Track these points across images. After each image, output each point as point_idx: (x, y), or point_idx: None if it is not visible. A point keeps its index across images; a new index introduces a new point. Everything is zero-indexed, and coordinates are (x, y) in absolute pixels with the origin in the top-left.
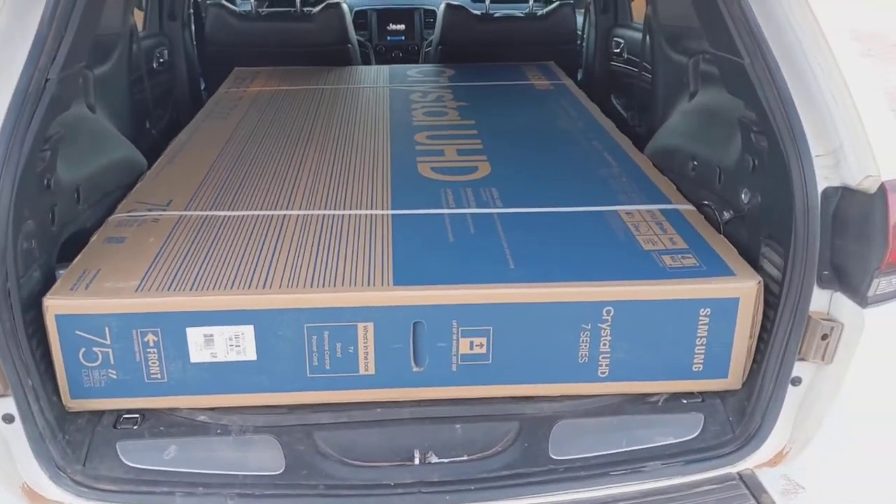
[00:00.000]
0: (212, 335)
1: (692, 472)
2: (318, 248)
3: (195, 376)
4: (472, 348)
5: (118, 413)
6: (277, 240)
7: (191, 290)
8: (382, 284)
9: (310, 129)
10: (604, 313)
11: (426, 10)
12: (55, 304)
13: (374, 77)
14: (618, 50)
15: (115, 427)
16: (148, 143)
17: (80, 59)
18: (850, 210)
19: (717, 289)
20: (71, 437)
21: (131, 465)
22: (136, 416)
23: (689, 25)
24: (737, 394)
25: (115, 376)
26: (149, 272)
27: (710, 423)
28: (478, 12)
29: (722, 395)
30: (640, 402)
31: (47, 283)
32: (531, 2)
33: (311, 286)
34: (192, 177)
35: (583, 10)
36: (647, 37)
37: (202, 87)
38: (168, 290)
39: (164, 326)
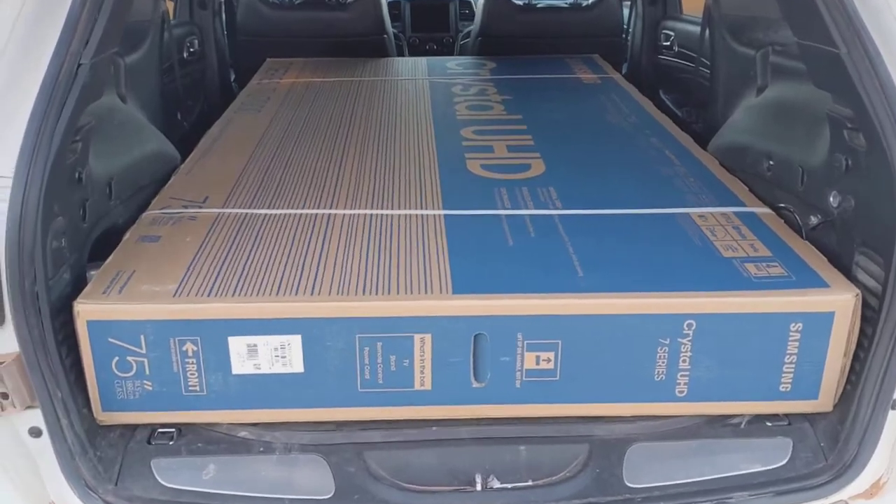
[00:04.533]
0: (256, 345)
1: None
2: (367, 251)
3: (237, 389)
4: (538, 363)
5: (152, 428)
6: (323, 241)
7: (233, 295)
8: (441, 292)
9: (349, 124)
10: (685, 327)
11: (462, 2)
12: (87, 309)
13: (412, 69)
14: (667, 43)
15: (149, 443)
16: (179, 134)
17: (113, 44)
18: None
19: (811, 302)
20: (102, 453)
21: (167, 485)
22: (172, 430)
23: (756, 15)
24: (828, 416)
25: (150, 388)
26: (187, 275)
27: (799, 448)
28: (520, 2)
29: (811, 417)
30: (719, 425)
31: (77, 285)
32: None
33: (364, 293)
34: (229, 172)
35: (629, 2)
36: (707, 29)
37: (232, 78)
38: (209, 295)
39: (204, 335)
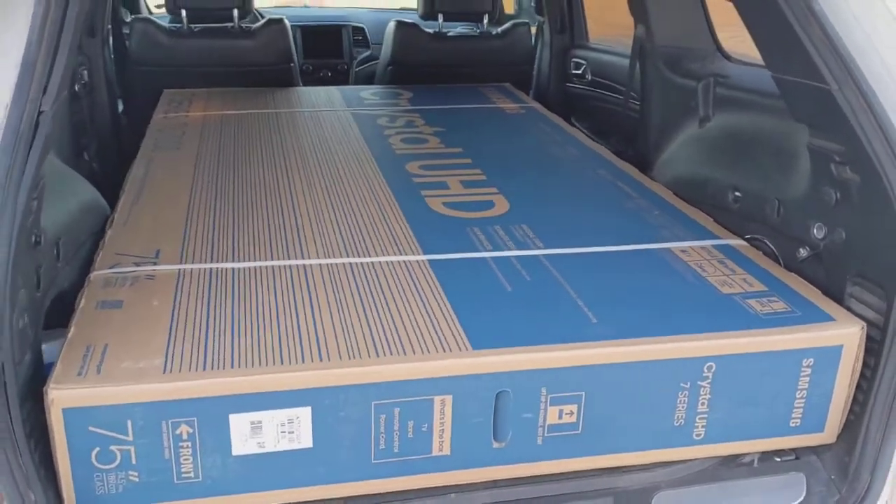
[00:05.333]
0: (260, 422)
1: None
2: (364, 308)
3: (237, 472)
4: (560, 417)
5: None
6: (311, 298)
7: (233, 367)
8: (460, 349)
9: (284, 160)
10: (705, 370)
11: (354, 28)
12: (63, 396)
13: (327, 100)
14: (578, 71)
15: None
16: (89, 177)
17: (66, 86)
18: None
19: (821, 337)
20: None
21: None
22: None
23: (693, 47)
24: (832, 448)
25: (136, 479)
26: (170, 346)
27: (812, 483)
28: (430, 31)
29: (817, 450)
30: (733, 465)
31: (37, 366)
32: (485, 21)
33: (378, 355)
34: (172, 220)
35: (534, 30)
36: (638, 60)
37: (120, 111)
38: (205, 368)
39: (202, 415)
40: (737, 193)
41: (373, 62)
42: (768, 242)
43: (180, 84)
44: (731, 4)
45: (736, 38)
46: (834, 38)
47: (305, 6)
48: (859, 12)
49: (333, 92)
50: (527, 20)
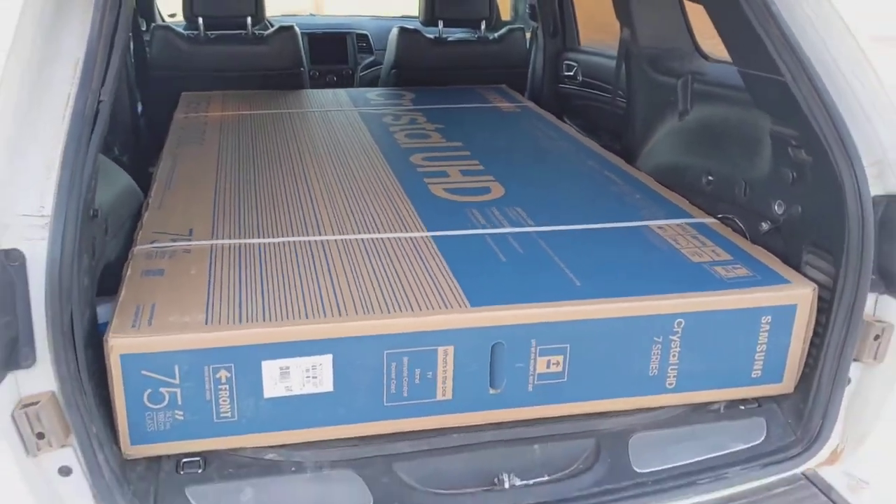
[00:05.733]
0: (288, 367)
1: (769, 475)
2: (375, 274)
3: (268, 412)
4: (549, 367)
5: (178, 458)
6: (328, 266)
7: (264, 320)
8: (460, 306)
9: (298, 153)
10: (675, 325)
11: (359, 35)
12: (120, 343)
13: (336, 101)
14: (570, 73)
15: (178, 472)
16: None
17: (118, 79)
18: None
19: (777, 296)
20: (135, 486)
21: None
22: (198, 459)
23: (673, 47)
24: (790, 397)
25: (181, 417)
26: (210, 304)
27: (772, 426)
28: (431, 36)
29: (777, 399)
30: (703, 411)
31: (94, 322)
32: (483, 26)
33: (389, 311)
34: (201, 204)
35: (529, 35)
36: (624, 61)
37: (139, 111)
38: (240, 322)
39: (238, 361)
40: (709, 177)
41: (376, 67)
42: (737, 220)
43: (197, 87)
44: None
45: None
46: (789, 36)
47: (311, 14)
48: (811, 13)
49: (341, 94)
50: (522, 25)
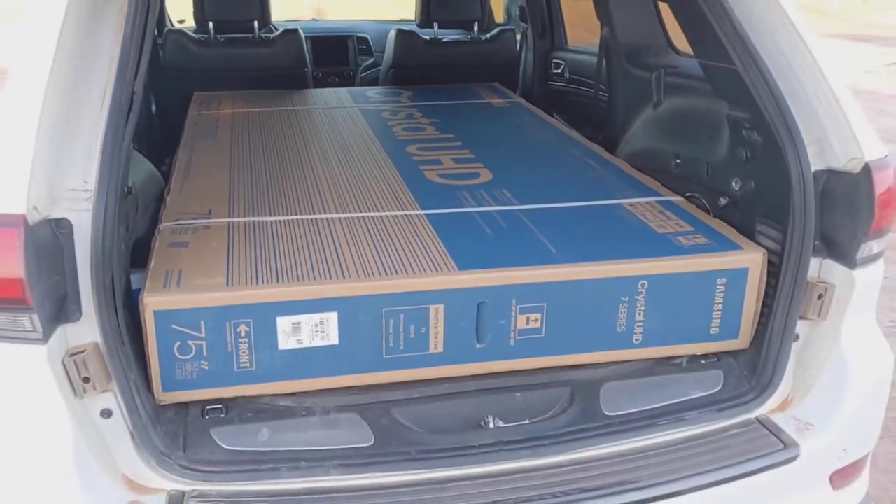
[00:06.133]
0: (299, 323)
1: (723, 419)
2: (375, 244)
3: (282, 363)
4: (528, 324)
5: (203, 404)
6: (332, 238)
7: (277, 282)
8: (449, 270)
9: (304, 144)
10: (639, 287)
11: (359, 38)
12: (154, 301)
13: (338, 99)
14: (558, 71)
15: (203, 416)
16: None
17: (146, 73)
18: (838, 188)
19: (731, 261)
20: (166, 427)
21: (230, 448)
22: (220, 406)
23: (648, 44)
24: (746, 352)
25: (206, 367)
26: (229, 269)
27: (728, 377)
28: (427, 37)
29: (734, 354)
30: (667, 365)
31: (129, 285)
32: (475, 28)
33: (387, 274)
34: (218, 189)
35: (519, 36)
36: (604, 58)
37: (153, 110)
38: (257, 283)
39: (255, 317)
40: (678, 160)
41: (376, 68)
42: (701, 198)
43: (207, 87)
44: None
45: None
46: (740, 30)
47: (313, 19)
48: (761, 10)
49: (342, 92)
50: (512, 27)
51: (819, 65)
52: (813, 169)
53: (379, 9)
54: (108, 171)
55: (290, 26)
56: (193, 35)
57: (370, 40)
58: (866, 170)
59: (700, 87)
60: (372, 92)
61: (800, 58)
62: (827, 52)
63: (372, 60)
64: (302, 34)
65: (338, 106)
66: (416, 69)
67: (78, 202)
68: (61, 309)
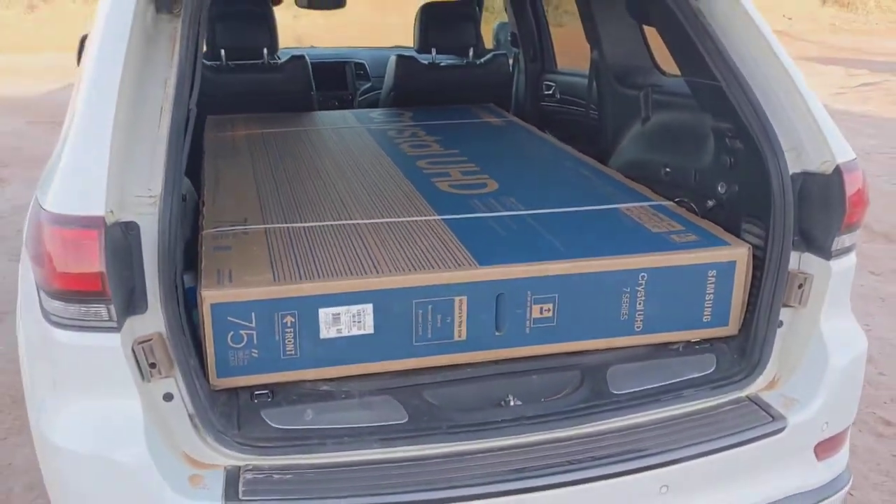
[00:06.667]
0: (339, 314)
1: (717, 397)
2: (401, 245)
3: (323, 350)
4: (541, 313)
5: (251, 389)
6: (361, 240)
7: (319, 278)
8: (471, 265)
9: (319, 161)
10: (640, 279)
11: (356, 64)
12: (211, 295)
13: (344, 120)
14: (549, 92)
15: (252, 400)
16: None
17: (197, 92)
18: (813, 189)
19: (720, 255)
20: (221, 409)
21: (280, 426)
22: (267, 391)
23: (635, 65)
24: (735, 338)
25: (256, 355)
26: (274, 268)
27: (721, 360)
28: (425, 62)
29: (725, 339)
30: (665, 350)
31: (184, 282)
32: (471, 53)
33: (416, 270)
34: (249, 201)
35: (511, 60)
36: (595, 79)
37: None
38: (300, 279)
39: (300, 309)
40: (667, 169)
41: (373, 92)
42: (690, 202)
43: (220, 110)
44: None
45: None
46: (722, 50)
47: (312, 46)
48: (741, 32)
49: (347, 114)
50: (505, 51)
51: (793, 79)
52: (791, 172)
53: (353, 39)
54: (171, 180)
55: (298, 53)
56: (206, 62)
57: (367, 66)
58: (837, 171)
59: (684, 104)
60: (375, 113)
61: (776, 74)
62: (798, 68)
63: (369, 85)
64: (308, 60)
65: (345, 126)
66: (416, 91)
67: (143, 207)
68: (130, 302)
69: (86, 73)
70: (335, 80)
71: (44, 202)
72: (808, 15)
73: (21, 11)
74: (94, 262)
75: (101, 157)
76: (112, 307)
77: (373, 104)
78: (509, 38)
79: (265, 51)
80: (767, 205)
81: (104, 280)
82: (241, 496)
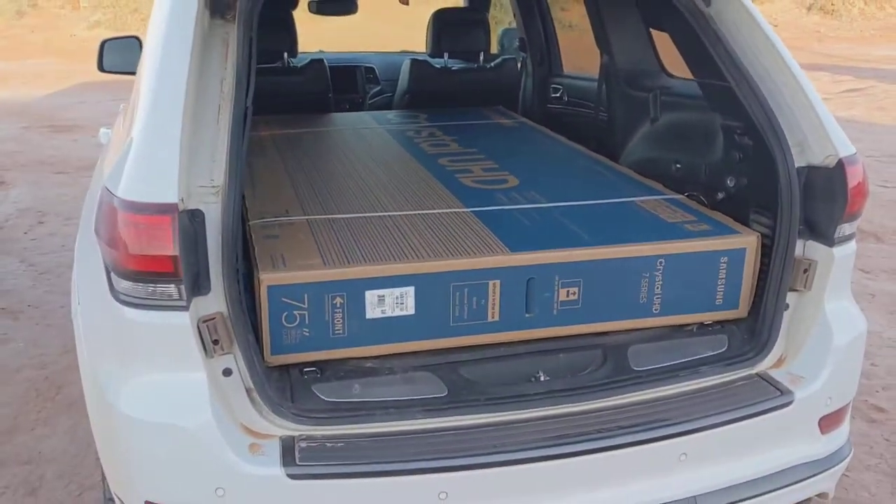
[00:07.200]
0: (384, 296)
1: (729, 373)
2: (435, 234)
3: (369, 330)
4: (568, 296)
5: (300, 366)
6: (399, 229)
7: (365, 262)
8: (503, 252)
9: (346, 158)
10: (657, 264)
11: (366, 68)
12: (268, 278)
13: (364, 121)
14: (556, 95)
15: (303, 376)
16: None
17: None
18: (817, 181)
19: (731, 242)
20: (275, 384)
21: (331, 399)
22: (315, 368)
23: (644, 69)
24: (745, 320)
25: (307, 334)
26: (322, 253)
27: (732, 340)
28: (438, 66)
29: (735, 322)
30: (680, 331)
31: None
32: (481, 57)
33: (453, 256)
34: (286, 195)
35: (519, 64)
36: (604, 82)
37: None
38: (349, 263)
39: (349, 291)
40: (677, 165)
41: (383, 95)
42: (699, 195)
43: None
44: None
45: None
46: (732, 53)
47: (320, 51)
48: (749, 36)
49: (365, 116)
50: (514, 56)
51: (797, 80)
52: (797, 165)
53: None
54: (234, 171)
55: (317, 57)
56: None
57: (377, 70)
58: (840, 164)
59: (691, 104)
60: (392, 115)
61: (782, 75)
62: (802, 72)
63: (379, 88)
64: (326, 63)
65: (365, 127)
66: (429, 94)
67: (207, 196)
68: (196, 283)
69: (150, 74)
70: (346, 84)
71: (116, 190)
72: (793, 22)
73: (10, 18)
74: (168, 245)
75: (172, 150)
76: (182, 287)
77: (382, 106)
78: (517, 44)
79: (286, 54)
80: (775, 196)
81: (177, 262)
82: (297, 461)
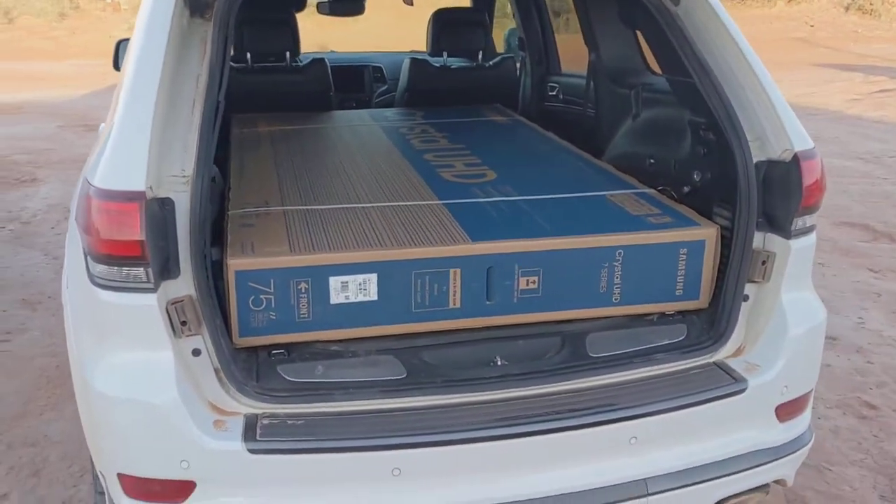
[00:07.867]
0: (347, 282)
1: (686, 361)
2: (403, 224)
3: (333, 314)
4: (528, 285)
5: (269, 348)
6: (369, 220)
7: (329, 250)
8: (464, 241)
9: (336, 154)
10: (616, 255)
11: (374, 67)
12: (236, 263)
13: (360, 118)
14: (553, 93)
15: (270, 357)
16: None
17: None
18: (774, 175)
19: (691, 234)
20: (241, 364)
21: (294, 380)
22: (282, 350)
23: (629, 66)
24: (706, 310)
25: (273, 317)
26: (290, 241)
27: (691, 330)
28: (437, 64)
29: (695, 312)
30: (640, 320)
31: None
32: (480, 56)
33: (415, 244)
34: (270, 187)
35: (518, 63)
36: (592, 79)
37: None
38: (314, 250)
39: (313, 277)
40: (651, 160)
41: (390, 94)
42: (670, 190)
43: (245, 109)
44: None
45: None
46: (697, 51)
47: (331, 51)
48: (714, 34)
49: (363, 113)
50: (512, 55)
51: (758, 77)
52: (755, 160)
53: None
54: (202, 163)
55: (318, 56)
56: (233, 63)
57: (384, 69)
58: (795, 158)
59: (668, 100)
60: (389, 112)
61: (743, 72)
62: (764, 66)
63: (386, 87)
64: (328, 63)
65: (360, 124)
66: (428, 92)
67: (177, 185)
68: (165, 267)
69: (129, 69)
70: (354, 83)
71: (92, 179)
72: (831, 22)
73: (52, 20)
74: (135, 231)
75: (142, 142)
76: (150, 270)
77: (389, 105)
78: (517, 42)
79: (288, 54)
80: (734, 190)
81: (144, 247)
82: (258, 437)
